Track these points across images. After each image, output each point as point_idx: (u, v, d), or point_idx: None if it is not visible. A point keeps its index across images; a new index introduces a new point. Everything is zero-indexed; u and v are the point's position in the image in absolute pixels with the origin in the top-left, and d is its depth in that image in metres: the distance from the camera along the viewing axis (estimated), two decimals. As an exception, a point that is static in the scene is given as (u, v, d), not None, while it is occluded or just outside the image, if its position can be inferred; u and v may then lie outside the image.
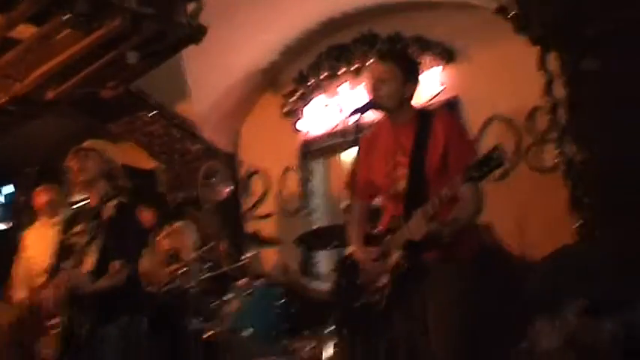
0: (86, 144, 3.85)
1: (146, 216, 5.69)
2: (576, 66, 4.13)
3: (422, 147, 3.09)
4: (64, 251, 3.73)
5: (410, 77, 3.21)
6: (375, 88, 3.15)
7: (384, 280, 3.10)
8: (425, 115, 3.23)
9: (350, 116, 3.21)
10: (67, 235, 3.84)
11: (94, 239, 3.50)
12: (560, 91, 4.40)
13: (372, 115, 3.26)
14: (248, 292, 4.25)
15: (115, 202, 3.66)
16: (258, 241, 5.24)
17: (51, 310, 3.60)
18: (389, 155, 3.19)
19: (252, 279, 4.65)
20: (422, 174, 3.06)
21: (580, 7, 4.04)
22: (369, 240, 3.25)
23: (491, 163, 2.66)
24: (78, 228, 3.74)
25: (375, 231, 3.29)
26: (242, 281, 4.40)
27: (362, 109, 3.19)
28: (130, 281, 3.63)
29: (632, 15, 3.83)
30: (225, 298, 4.33)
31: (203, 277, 4.83)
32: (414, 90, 3.23)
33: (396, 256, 3.03)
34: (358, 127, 3.23)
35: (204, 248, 5.12)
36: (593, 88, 4.07)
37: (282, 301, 4.28)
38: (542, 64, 4.50)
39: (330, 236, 4.42)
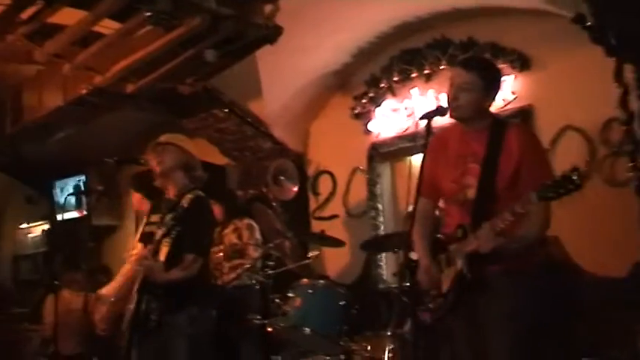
0: (163, 138, 4.00)
1: (215, 210, 5.84)
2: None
3: (495, 156, 3.07)
4: (145, 240, 3.90)
5: (490, 89, 3.19)
6: (454, 97, 3.13)
7: (447, 287, 3.12)
8: (499, 123, 3.20)
9: (419, 120, 3.22)
10: (147, 224, 4.01)
11: (171, 230, 3.62)
12: (635, 103, 4.31)
13: (441, 120, 3.25)
14: (310, 290, 4.30)
15: (191, 195, 3.79)
16: (322, 241, 5.30)
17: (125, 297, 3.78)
18: (459, 161, 3.18)
19: (315, 278, 4.71)
20: (492, 183, 3.04)
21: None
22: (433, 244, 3.26)
23: (568, 185, 2.63)
24: (156, 217, 3.89)
25: (439, 235, 3.30)
26: (305, 280, 4.47)
27: (431, 114, 3.20)
28: (201, 274, 3.76)
29: None
30: (287, 295, 4.39)
31: (267, 273, 4.92)
32: (492, 101, 3.23)
33: (459, 265, 3.03)
34: (427, 132, 3.24)
35: (270, 245, 5.20)
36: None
37: (344, 302, 4.31)
38: (617, 75, 4.40)
39: (395, 242, 4.45)
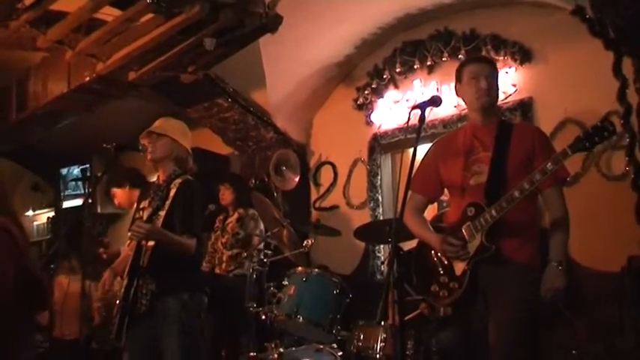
0: (157, 124, 4.02)
1: (225, 194, 5.89)
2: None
3: (505, 144, 3.18)
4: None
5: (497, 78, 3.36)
6: (490, 86, 3.24)
7: (461, 268, 3.15)
8: (505, 121, 3.42)
9: (411, 111, 3.24)
10: (137, 210, 4.04)
11: (157, 212, 3.64)
12: (634, 97, 4.30)
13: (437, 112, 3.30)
14: (304, 279, 4.32)
15: (180, 180, 3.81)
16: (319, 230, 5.32)
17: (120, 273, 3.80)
18: (469, 151, 3.26)
19: (310, 267, 4.74)
20: (504, 169, 3.13)
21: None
22: (439, 231, 3.29)
23: (603, 132, 2.80)
24: (145, 203, 3.93)
25: (443, 224, 3.34)
26: (299, 268, 4.49)
27: (424, 105, 3.22)
28: (193, 258, 3.79)
29: None
30: (282, 284, 4.42)
31: (263, 261, 4.95)
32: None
33: (478, 240, 3.07)
34: (420, 123, 3.26)
35: (268, 234, 5.24)
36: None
37: (338, 290, 4.33)
38: (616, 69, 4.39)
39: (388, 230, 4.47)
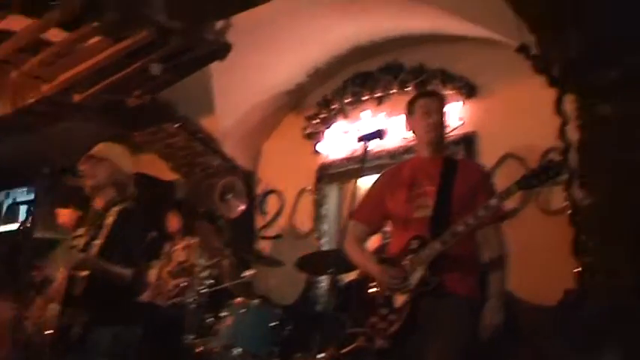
0: (98, 148, 3.94)
1: (173, 221, 5.80)
2: (591, 111, 4.11)
3: (450, 179, 3.21)
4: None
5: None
6: (440, 122, 3.31)
7: (401, 300, 3.12)
8: (450, 157, 3.44)
9: (357, 142, 3.26)
10: (74, 237, 3.93)
11: (92, 241, 3.56)
12: (574, 134, 4.38)
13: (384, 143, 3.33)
14: (242, 310, 4.25)
15: (118, 207, 3.73)
16: (260, 260, 5.27)
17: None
18: (415, 184, 3.27)
19: (250, 298, 4.67)
20: (448, 203, 3.15)
21: (597, 53, 4.03)
22: (382, 263, 3.27)
23: (549, 172, 2.87)
24: (81, 231, 3.83)
25: (385, 256, 3.32)
26: (238, 299, 4.43)
27: (369, 137, 3.25)
28: (128, 289, 3.69)
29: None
30: (220, 315, 4.34)
31: (203, 291, 4.86)
32: None
33: (421, 273, 3.07)
34: (364, 155, 3.29)
35: (208, 263, 5.17)
36: (606, 134, 4.04)
37: (277, 322, 4.28)
38: (558, 106, 4.49)
39: (330, 260, 4.44)
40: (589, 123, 4.18)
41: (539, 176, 2.89)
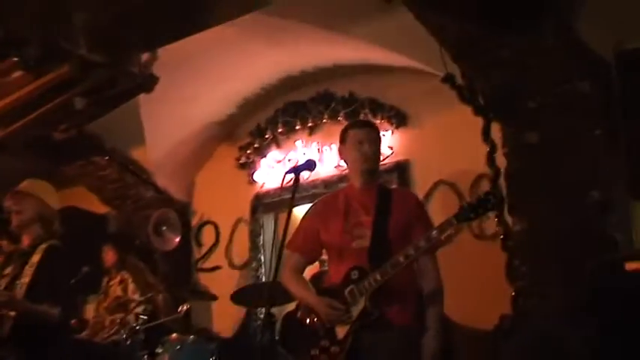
0: (24, 185, 3.88)
1: (109, 255, 5.65)
2: (517, 138, 4.20)
3: (385, 209, 3.20)
4: None
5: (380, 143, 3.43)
6: (375, 152, 3.30)
7: (343, 331, 3.09)
8: (384, 186, 3.44)
9: (286, 174, 3.22)
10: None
11: (19, 279, 3.47)
12: (502, 160, 4.47)
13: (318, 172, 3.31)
14: (178, 346, 4.15)
15: (45, 245, 3.65)
16: (196, 294, 5.19)
17: None
18: (351, 214, 3.25)
19: (187, 333, 4.57)
20: (385, 233, 3.14)
21: (521, 82, 4.13)
22: (322, 293, 3.23)
23: (487, 204, 2.90)
24: (9, 269, 3.72)
25: (324, 286, 3.30)
26: (174, 335, 4.32)
27: (299, 169, 3.22)
28: (57, 328, 3.59)
29: (571, 89, 3.93)
30: (155, 352, 4.23)
31: (138, 328, 4.74)
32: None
33: (362, 304, 3.05)
34: (294, 186, 3.25)
35: (143, 298, 5.06)
36: (533, 160, 4.13)
37: (213, 357, 4.19)
38: (485, 134, 4.57)
39: (267, 292, 4.38)
40: (516, 150, 4.28)
41: (476, 209, 2.93)
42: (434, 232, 3.00)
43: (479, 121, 4.66)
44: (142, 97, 5.37)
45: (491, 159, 4.57)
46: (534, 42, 4.00)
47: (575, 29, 3.97)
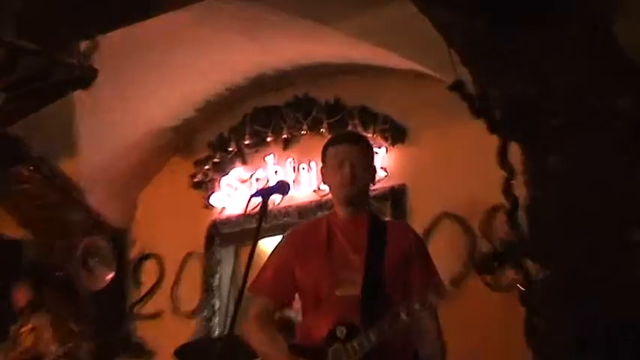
0: None
1: (20, 294, 5.58)
2: (540, 162, 4.19)
3: (380, 247, 3.16)
4: None
5: (375, 169, 3.45)
6: (355, 176, 3.20)
7: None
8: (378, 218, 3.40)
9: (252, 198, 3.19)
10: None
11: None
12: (522, 190, 4.45)
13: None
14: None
15: None
16: (130, 348, 5.13)
17: None
18: (335, 251, 3.21)
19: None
20: (379, 280, 3.10)
21: (546, 93, 4.13)
22: (295, 352, 3.17)
23: (504, 256, 2.94)
24: None
25: (299, 344, 3.24)
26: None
27: (268, 192, 3.18)
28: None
29: (606, 105, 3.93)
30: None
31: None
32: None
33: None
34: (262, 213, 3.20)
35: (61, 351, 4.99)
36: (559, 190, 4.12)
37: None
38: (502, 156, 4.54)
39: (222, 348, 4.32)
40: (538, 177, 4.26)
41: (492, 261, 2.97)
42: (429, 296, 2.98)
43: (494, 140, 4.65)
44: (79, 95, 5.36)
45: (508, 187, 4.55)
46: (560, 47, 4.01)
47: (611, 33, 3.99)
